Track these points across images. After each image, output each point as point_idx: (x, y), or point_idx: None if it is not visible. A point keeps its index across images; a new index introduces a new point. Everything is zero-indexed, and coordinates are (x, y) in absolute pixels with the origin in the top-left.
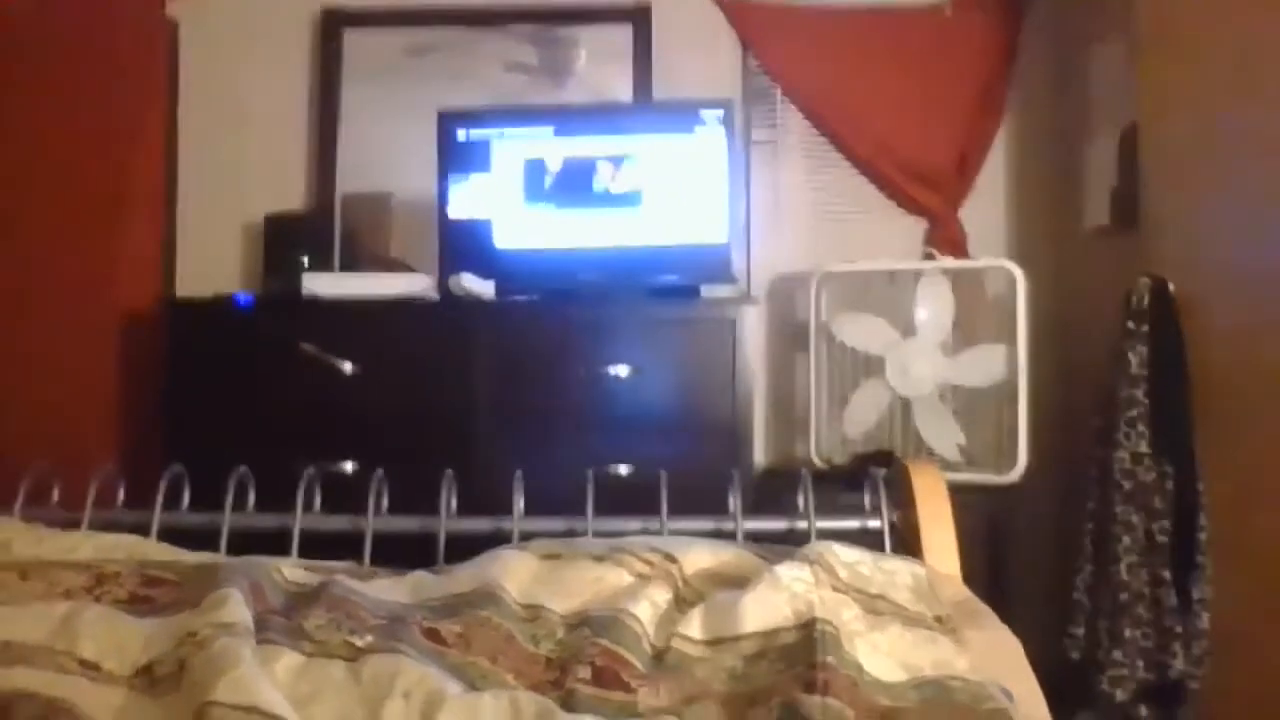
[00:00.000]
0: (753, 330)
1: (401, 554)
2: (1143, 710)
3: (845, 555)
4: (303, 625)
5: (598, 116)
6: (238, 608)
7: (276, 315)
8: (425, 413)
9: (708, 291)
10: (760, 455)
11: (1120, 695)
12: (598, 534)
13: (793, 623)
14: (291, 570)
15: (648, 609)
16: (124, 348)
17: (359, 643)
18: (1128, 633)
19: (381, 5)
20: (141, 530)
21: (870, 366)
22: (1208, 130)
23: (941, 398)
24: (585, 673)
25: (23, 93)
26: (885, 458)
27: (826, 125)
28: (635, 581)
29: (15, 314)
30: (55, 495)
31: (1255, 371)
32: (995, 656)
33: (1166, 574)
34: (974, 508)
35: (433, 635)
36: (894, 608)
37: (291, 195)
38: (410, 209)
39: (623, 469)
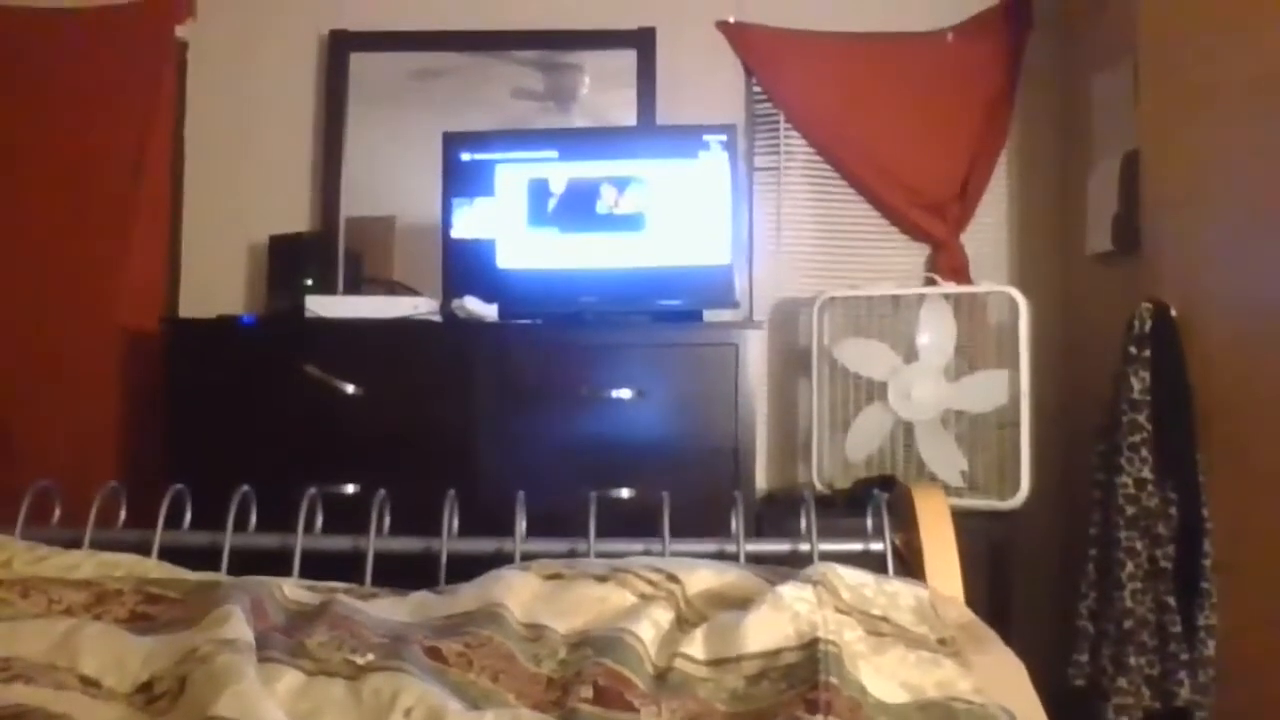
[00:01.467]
0: (755, 354)
1: (403, 575)
2: None
3: (849, 577)
4: (304, 643)
5: (601, 140)
6: (239, 625)
7: (280, 336)
8: (427, 434)
9: (710, 315)
10: (762, 480)
11: None
12: (600, 555)
13: (795, 643)
14: (293, 589)
15: (650, 629)
16: (127, 367)
17: (360, 661)
18: (1132, 660)
19: (388, 29)
20: (143, 549)
21: (872, 391)
22: (1208, 156)
23: (944, 423)
24: (587, 692)
25: (30, 111)
26: (887, 483)
27: (829, 150)
28: (638, 601)
29: (19, 332)
30: (57, 513)
31: (1258, 396)
32: (999, 679)
33: (1171, 600)
34: (976, 534)
35: (434, 654)
36: (897, 629)
37: (296, 216)
38: (414, 231)
39: (625, 492)
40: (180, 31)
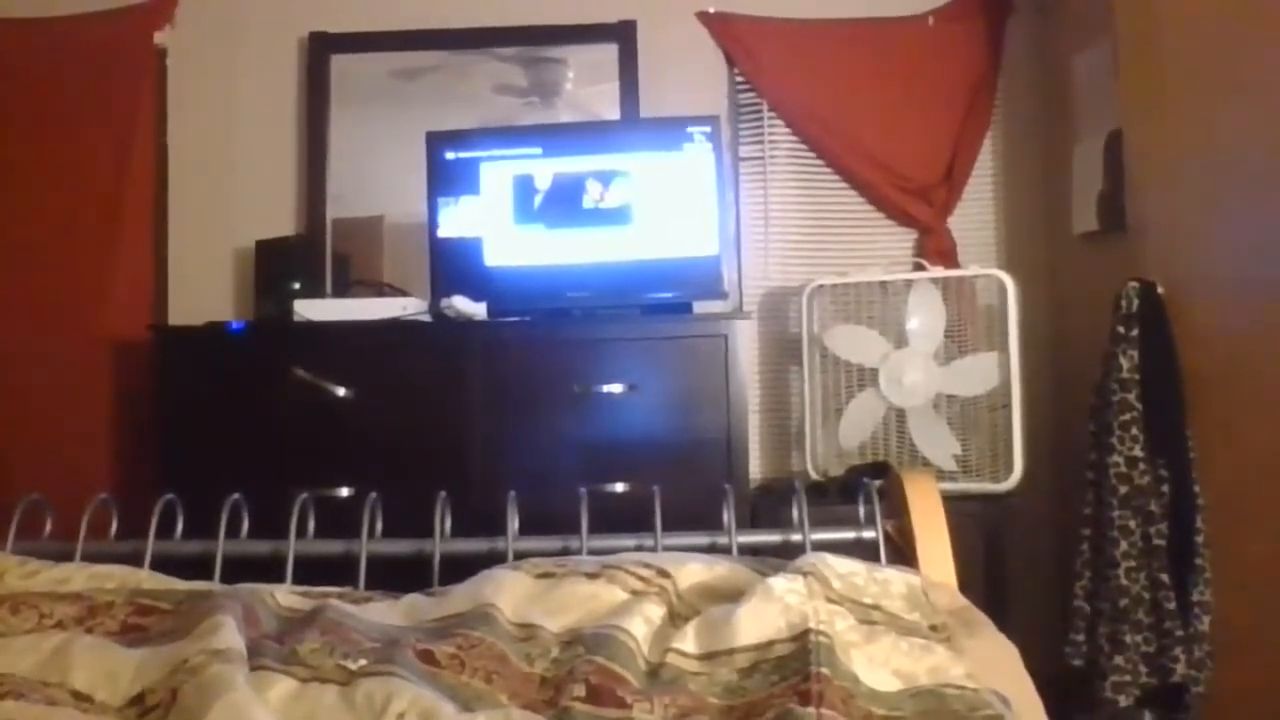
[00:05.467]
0: (745, 345)
1: (398, 577)
2: (1146, 715)
3: (839, 566)
4: (296, 650)
5: (585, 135)
6: (230, 634)
7: (269, 341)
8: (419, 435)
9: (699, 307)
10: (756, 469)
11: (1123, 701)
12: (593, 552)
13: (786, 634)
14: (285, 596)
15: (642, 625)
16: (116, 376)
17: (352, 666)
18: (1128, 638)
19: (368, 30)
20: (135, 560)
21: (863, 378)
22: (1190, 133)
23: (935, 407)
24: (580, 690)
25: (11, 120)
26: (881, 469)
27: (813, 138)
28: (629, 598)
29: (6, 343)
30: (48, 526)
31: (1246, 371)
32: (992, 664)
33: (1165, 577)
34: (971, 516)
35: (427, 656)
36: (888, 617)
37: (282, 220)
38: (401, 232)
39: (618, 486)
40: (159, 38)
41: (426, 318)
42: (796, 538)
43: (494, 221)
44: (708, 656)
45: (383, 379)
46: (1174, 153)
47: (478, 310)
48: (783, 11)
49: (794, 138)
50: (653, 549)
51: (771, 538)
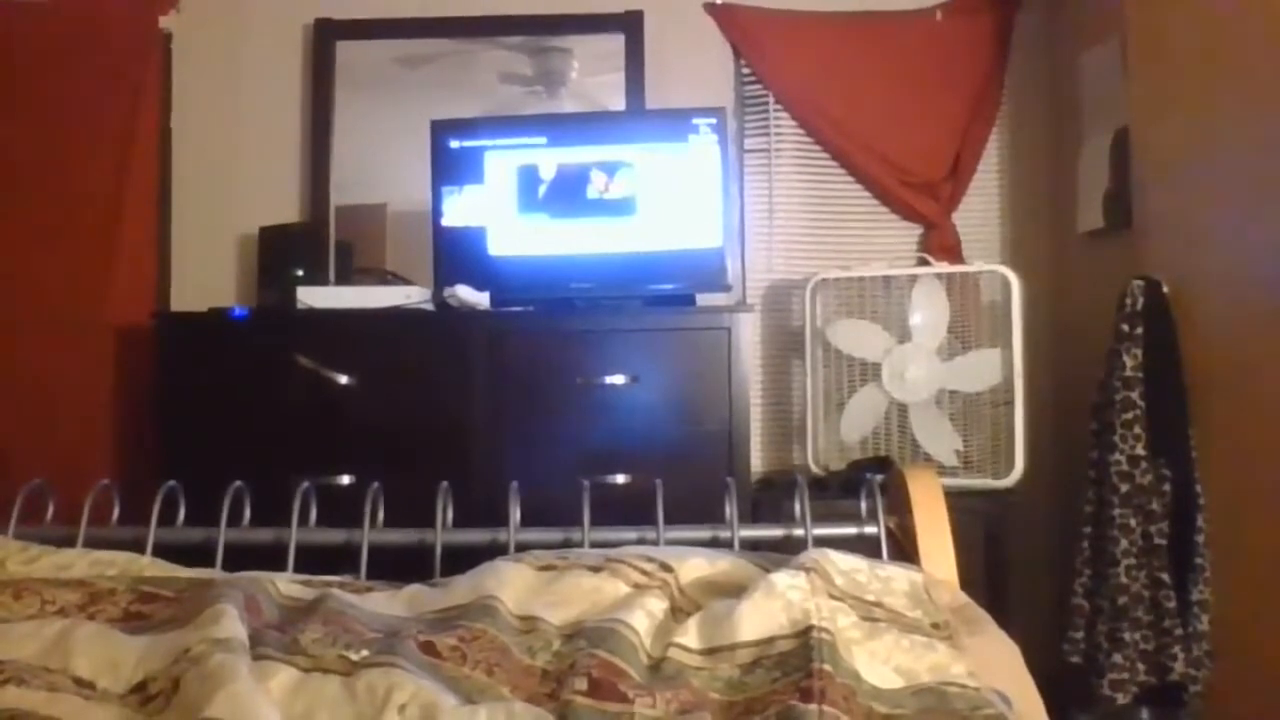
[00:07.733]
0: (748, 338)
1: (399, 566)
2: (1144, 713)
3: (842, 562)
4: (298, 640)
5: (590, 125)
6: (232, 623)
7: (272, 328)
8: (421, 424)
9: (703, 299)
10: (758, 463)
11: (1121, 699)
12: (594, 544)
13: (788, 631)
14: (287, 585)
15: (644, 619)
16: (119, 362)
17: (354, 656)
18: (1127, 636)
19: (374, 17)
20: (137, 547)
21: (866, 372)
22: (1198, 132)
23: (938, 403)
24: (581, 684)
25: (15, 105)
26: (882, 464)
27: (819, 131)
28: (631, 592)
29: (8, 329)
30: (50, 512)
31: (1250, 371)
32: (993, 662)
33: (1165, 576)
34: (972, 512)
35: (428, 648)
36: (891, 614)
37: (285, 207)
38: (405, 220)
39: (620, 478)
40: (164, 23)
41: (429, 307)
42: (798, 532)
43: (498, 211)
44: (710, 652)
45: (385, 368)
46: (1181, 151)
47: (481, 300)
48: (790, 4)
49: (799, 131)
50: (654, 542)
51: (773, 532)
